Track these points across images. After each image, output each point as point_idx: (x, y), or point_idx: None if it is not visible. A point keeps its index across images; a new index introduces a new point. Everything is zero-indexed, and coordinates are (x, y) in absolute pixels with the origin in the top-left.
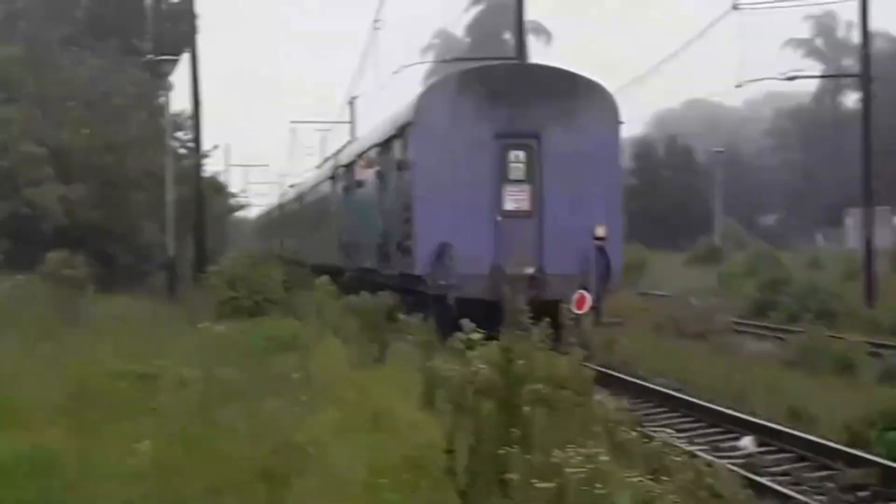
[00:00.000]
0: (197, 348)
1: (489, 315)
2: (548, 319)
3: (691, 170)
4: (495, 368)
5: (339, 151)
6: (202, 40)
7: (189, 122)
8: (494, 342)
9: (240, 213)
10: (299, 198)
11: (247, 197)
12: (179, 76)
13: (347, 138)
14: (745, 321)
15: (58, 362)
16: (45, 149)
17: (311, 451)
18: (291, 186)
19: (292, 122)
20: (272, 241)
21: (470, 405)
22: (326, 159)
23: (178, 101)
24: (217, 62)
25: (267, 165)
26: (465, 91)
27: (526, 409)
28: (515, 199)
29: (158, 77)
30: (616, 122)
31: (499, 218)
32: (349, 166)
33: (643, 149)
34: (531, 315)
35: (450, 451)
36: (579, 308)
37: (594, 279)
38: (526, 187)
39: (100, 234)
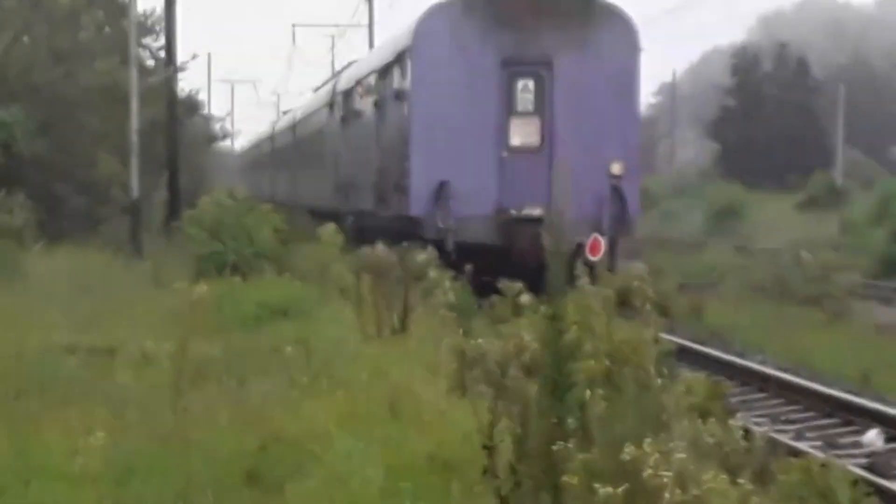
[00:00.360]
0: (166, 315)
1: (493, 263)
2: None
3: (806, 88)
4: (543, 340)
5: (338, 73)
6: None
7: (159, 25)
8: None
9: (224, 145)
10: (292, 128)
11: (233, 123)
12: None
13: (366, 45)
14: (873, 282)
15: None
16: None
17: (310, 447)
18: (285, 113)
19: (293, 24)
20: (262, 180)
21: (513, 388)
22: (326, 82)
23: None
24: None
25: (259, 81)
26: (469, 13)
27: (585, 391)
28: (523, 132)
29: None
30: (636, 49)
31: (504, 154)
32: (348, 93)
33: (743, 61)
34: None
35: (488, 447)
36: (593, 254)
37: (609, 221)
38: (535, 120)
39: (43, 170)
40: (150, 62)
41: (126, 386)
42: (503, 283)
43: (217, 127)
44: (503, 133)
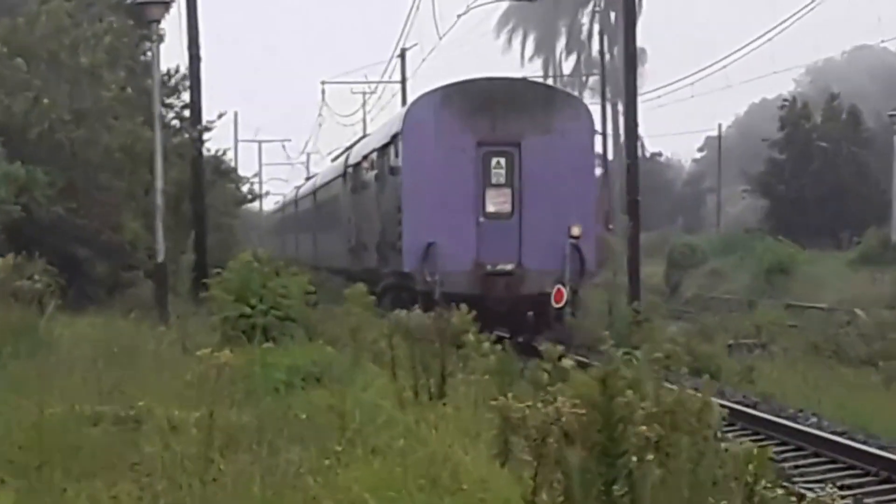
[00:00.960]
0: (193, 382)
1: (473, 309)
2: (530, 313)
3: (858, 139)
4: (590, 404)
5: (349, 147)
6: None
7: (183, 84)
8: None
9: (253, 206)
10: (313, 194)
11: (261, 184)
12: (171, 24)
13: (398, 101)
14: None
15: (7, 403)
16: None
17: None
18: (308, 179)
19: (322, 81)
20: (288, 242)
21: (557, 454)
22: (341, 153)
23: (170, 56)
24: (221, 5)
25: (289, 140)
26: (448, 103)
27: (633, 458)
28: (497, 201)
29: (143, 24)
30: (591, 132)
31: (481, 219)
32: (356, 166)
33: (791, 112)
34: (510, 307)
35: None
36: (557, 301)
37: (570, 274)
38: (506, 191)
39: (64, 233)
40: (175, 122)
41: (153, 456)
42: (544, 346)
43: (245, 188)
44: (480, 202)
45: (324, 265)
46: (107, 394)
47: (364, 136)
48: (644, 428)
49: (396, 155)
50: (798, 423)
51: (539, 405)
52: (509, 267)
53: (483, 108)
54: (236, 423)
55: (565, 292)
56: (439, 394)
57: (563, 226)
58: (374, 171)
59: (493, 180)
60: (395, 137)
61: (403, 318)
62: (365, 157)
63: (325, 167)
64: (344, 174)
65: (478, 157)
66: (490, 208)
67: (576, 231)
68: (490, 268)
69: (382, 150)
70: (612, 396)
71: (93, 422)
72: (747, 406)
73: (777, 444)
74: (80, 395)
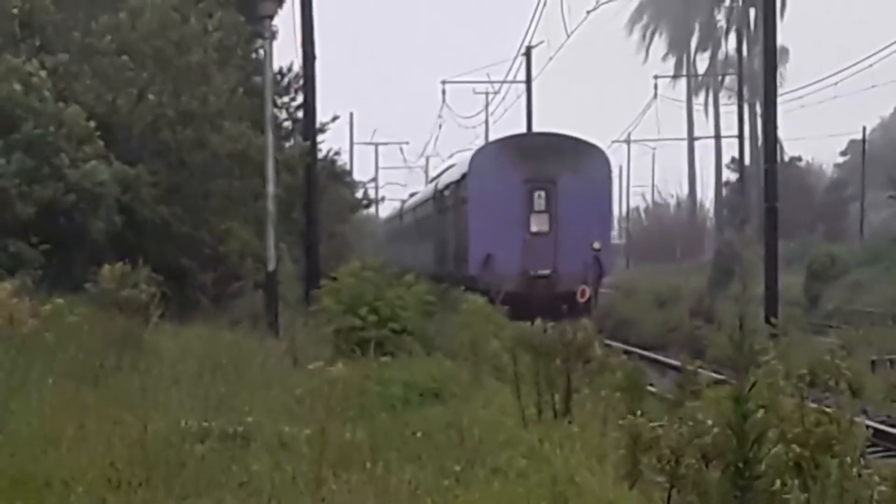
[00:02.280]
0: (304, 398)
1: (519, 302)
2: (564, 305)
3: None
4: (726, 423)
5: (438, 176)
6: None
7: (298, 84)
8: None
9: (368, 212)
10: (414, 209)
11: (377, 189)
12: (284, 20)
13: (523, 101)
14: None
15: (110, 417)
16: (89, 119)
17: None
18: (411, 195)
19: (443, 81)
20: (396, 250)
21: (695, 476)
22: (432, 179)
23: (283, 54)
24: (337, 1)
25: (407, 143)
26: (503, 151)
27: (774, 481)
28: (538, 223)
29: (254, 20)
30: (608, 171)
31: (527, 236)
32: (441, 192)
33: None
34: (547, 302)
35: None
36: (581, 298)
37: (592, 277)
38: (545, 216)
39: (168, 240)
40: (287, 123)
41: (261, 474)
42: (682, 358)
43: (360, 193)
44: (526, 224)
45: (419, 270)
46: (213, 409)
47: (449, 168)
48: (793, 448)
49: (465, 189)
50: None
51: (674, 423)
52: (547, 272)
53: (528, 155)
54: (349, 440)
55: (588, 291)
56: (564, 411)
57: (587, 241)
58: (452, 200)
59: (536, 207)
60: (464, 176)
61: (527, 330)
62: (447, 187)
63: (425, 187)
64: (433, 197)
65: (524, 190)
66: (533, 228)
67: (597, 245)
68: (532, 272)
69: (457, 184)
70: (746, 415)
71: (199, 438)
72: (891, 426)
73: None
74: (185, 409)
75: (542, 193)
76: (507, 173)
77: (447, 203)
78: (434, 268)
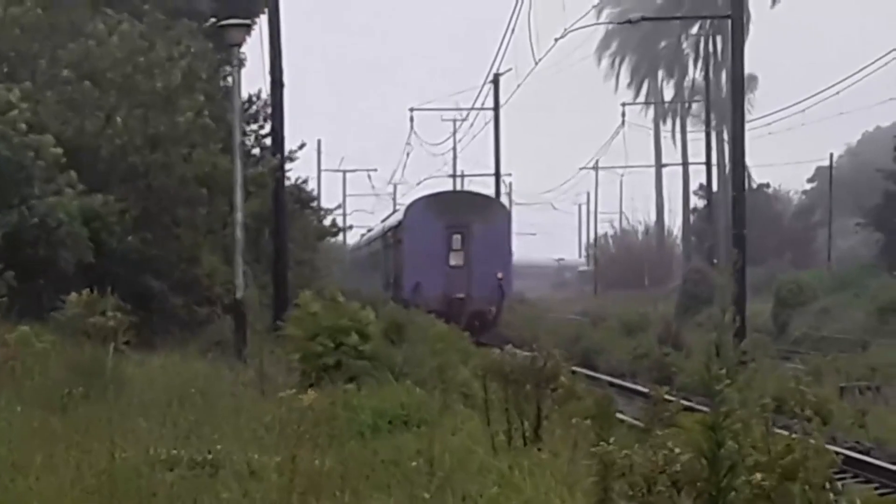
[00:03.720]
0: (273, 425)
1: (443, 316)
2: (477, 322)
3: None
4: (698, 451)
5: (387, 217)
6: None
7: (266, 111)
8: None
9: (336, 239)
10: (370, 242)
11: (344, 216)
12: (252, 47)
13: (490, 128)
14: None
15: (79, 446)
16: (56, 144)
17: None
18: (368, 231)
19: (412, 108)
20: (359, 277)
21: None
22: (383, 220)
23: (251, 82)
24: (304, 27)
25: (375, 170)
26: (430, 204)
27: None
28: (456, 259)
29: (223, 48)
30: (509, 220)
31: (447, 269)
32: (386, 233)
33: None
34: (464, 318)
35: None
36: (489, 315)
37: (496, 299)
38: (461, 253)
39: (139, 265)
40: (256, 151)
41: (231, 503)
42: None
43: (328, 220)
44: (447, 259)
45: (372, 294)
46: (182, 437)
47: (393, 212)
48: (758, 476)
49: (402, 232)
50: None
51: (647, 451)
52: (463, 295)
53: (448, 207)
54: (319, 468)
55: (493, 310)
56: (534, 438)
57: (493, 272)
58: (392, 240)
59: (454, 247)
60: (401, 222)
61: (497, 358)
62: (390, 230)
63: (379, 224)
64: (382, 237)
65: (445, 234)
66: (452, 262)
67: (500, 275)
68: (452, 296)
69: (396, 228)
70: (720, 444)
71: (168, 466)
72: (860, 452)
73: (893, 493)
74: (154, 438)
75: (459, 236)
76: (432, 221)
77: (389, 242)
78: (381, 292)
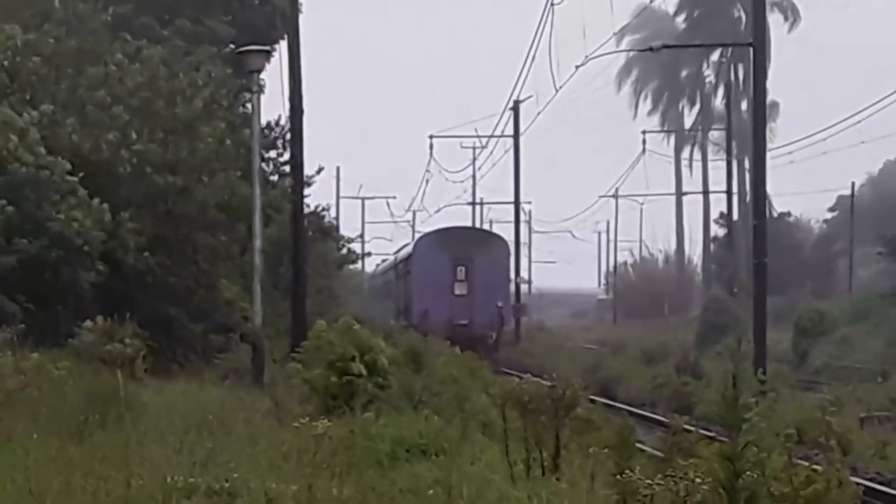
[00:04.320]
0: (290, 454)
1: (448, 340)
2: (478, 346)
3: None
4: (717, 482)
5: (399, 250)
6: (305, 23)
7: (283, 138)
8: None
9: (354, 266)
10: (385, 272)
11: (363, 244)
12: (272, 74)
13: (510, 155)
14: None
15: (95, 473)
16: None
17: None
18: (383, 261)
19: (431, 136)
20: (376, 305)
21: None
22: (396, 252)
23: (270, 108)
24: (324, 55)
25: (394, 198)
26: (437, 239)
27: None
28: (460, 288)
29: (242, 74)
30: (508, 253)
31: (452, 297)
32: (397, 263)
33: None
34: (466, 343)
35: None
36: (490, 340)
37: (496, 326)
38: (465, 283)
39: (156, 291)
40: (274, 177)
41: None
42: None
43: (346, 248)
44: (452, 288)
45: (386, 320)
46: (199, 465)
47: (404, 247)
48: None
49: (411, 263)
50: None
51: (668, 481)
52: (466, 322)
53: (454, 241)
54: (337, 497)
55: (494, 335)
56: (553, 468)
57: (493, 301)
58: (403, 271)
59: (458, 278)
60: (410, 255)
61: (515, 386)
62: (402, 261)
63: (392, 256)
64: (395, 266)
65: (451, 266)
66: (457, 292)
67: (500, 304)
68: (456, 322)
69: (406, 260)
70: (738, 474)
71: (185, 494)
72: (881, 484)
73: None
74: (171, 465)
75: (463, 268)
76: (439, 254)
77: (401, 273)
78: (393, 318)
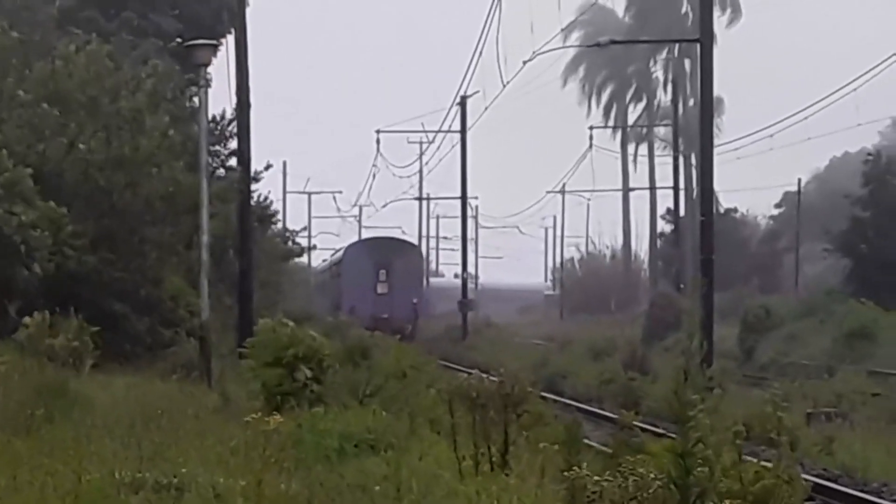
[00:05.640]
0: (238, 449)
1: (371, 331)
2: (398, 335)
3: None
4: (668, 478)
5: (336, 251)
6: (252, 17)
7: (231, 132)
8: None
9: (301, 261)
10: (324, 272)
11: (309, 237)
12: (219, 69)
13: (458, 150)
14: None
15: (43, 468)
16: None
17: None
18: (332, 255)
19: (378, 130)
20: (318, 300)
21: None
22: (333, 254)
23: (218, 101)
24: (271, 49)
25: (340, 192)
26: (363, 248)
27: None
28: (382, 287)
29: (190, 68)
30: (421, 258)
31: (375, 295)
32: (331, 266)
33: (876, 167)
34: (387, 333)
35: None
36: (406, 331)
37: (412, 319)
38: (386, 283)
39: (102, 286)
40: (221, 171)
41: None
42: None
43: (292, 242)
44: (375, 288)
45: (325, 314)
46: (147, 459)
47: (337, 251)
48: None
49: (341, 265)
50: (883, 497)
51: (617, 477)
52: (386, 316)
53: (377, 248)
54: (285, 492)
55: (410, 327)
56: (502, 463)
57: (409, 298)
58: (336, 272)
59: (380, 279)
60: (341, 260)
61: (463, 382)
62: (334, 264)
63: (330, 258)
64: (330, 268)
65: (374, 269)
66: (379, 291)
67: (415, 300)
68: (378, 316)
69: (338, 263)
70: (689, 470)
71: (133, 489)
72: (827, 479)
73: None
74: (119, 460)
75: (384, 271)
76: (364, 258)
77: (334, 274)
78: (330, 313)
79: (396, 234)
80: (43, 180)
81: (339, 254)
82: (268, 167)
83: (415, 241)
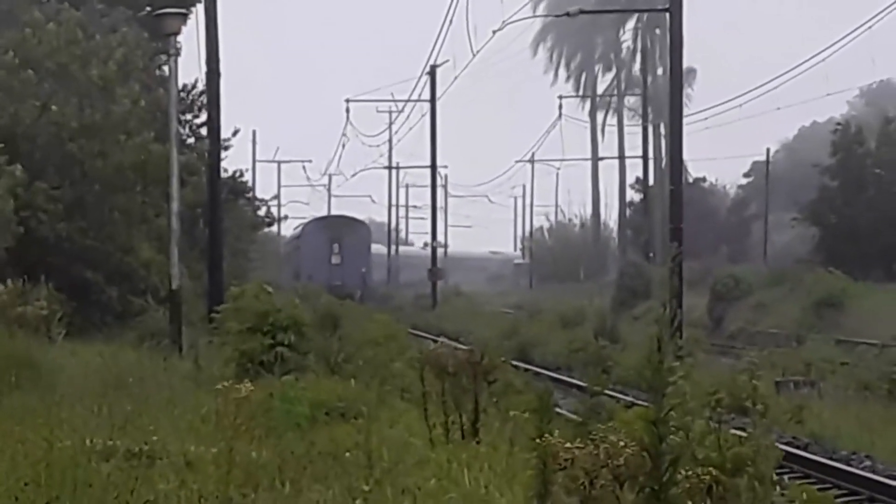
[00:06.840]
0: (209, 417)
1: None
2: (348, 299)
3: None
4: (641, 445)
5: (300, 225)
6: None
7: (202, 101)
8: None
9: (271, 231)
10: (290, 243)
11: (279, 207)
12: (189, 37)
13: (427, 119)
14: None
15: (14, 435)
16: None
17: None
18: (299, 225)
19: (347, 100)
20: (286, 269)
21: (603, 498)
22: (296, 228)
23: (187, 71)
24: (242, 17)
25: (309, 161)
26: (318, 224)
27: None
28: (336, 258)
29: (159, 37)
30: (369, 234)
31: (330, 265)
32: (293, 240)
33: (844, 137)
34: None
35: None
36: (357, 295)
37: (361, 285)
38: (340, 255)
39: (72, 255)
40: (191, 140)
41: (168, 494)
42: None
43: (262, 211)
44: (329, 259)
45: (288, 282)
46: (118, 427)
47: (300, 225)
48: (702, 471)
49: (300, 239)
50: (852, 465)
51: (588, 444)
52: (340, 283)
53: (331, 225)
54: (256, 459)
55: (360, 293)
56: (472, 432)
57: (359, 268)
58: (297, 245)
59: (334, 251)
60: (300, 232)
61: (433, 349)
62: (295, 238)
63: (293, 233)
64: (292, 241)
65: (328, 243)
66: (333, 261)
67: (364, 269)
68: (333, 283)
69: (298, 237)
70: (662, 438)
71: (104, 457)
72: (797, 448)
73: (830, 488)
74: (90, 428)
75: (337, 245)
76: (320, 234)
77: (295, 247)
78: (294, 281)
79: (366, 202)
80: (15, 143)
81: (298, 230)
82: (236, 132)
83: (384, 209)
